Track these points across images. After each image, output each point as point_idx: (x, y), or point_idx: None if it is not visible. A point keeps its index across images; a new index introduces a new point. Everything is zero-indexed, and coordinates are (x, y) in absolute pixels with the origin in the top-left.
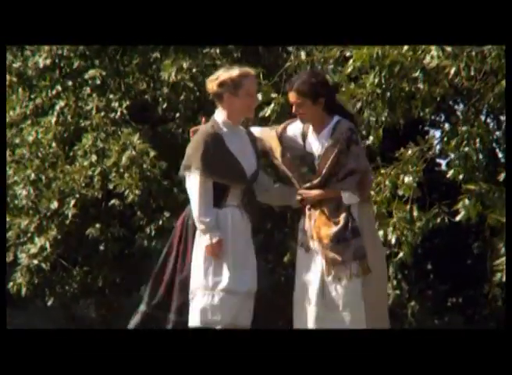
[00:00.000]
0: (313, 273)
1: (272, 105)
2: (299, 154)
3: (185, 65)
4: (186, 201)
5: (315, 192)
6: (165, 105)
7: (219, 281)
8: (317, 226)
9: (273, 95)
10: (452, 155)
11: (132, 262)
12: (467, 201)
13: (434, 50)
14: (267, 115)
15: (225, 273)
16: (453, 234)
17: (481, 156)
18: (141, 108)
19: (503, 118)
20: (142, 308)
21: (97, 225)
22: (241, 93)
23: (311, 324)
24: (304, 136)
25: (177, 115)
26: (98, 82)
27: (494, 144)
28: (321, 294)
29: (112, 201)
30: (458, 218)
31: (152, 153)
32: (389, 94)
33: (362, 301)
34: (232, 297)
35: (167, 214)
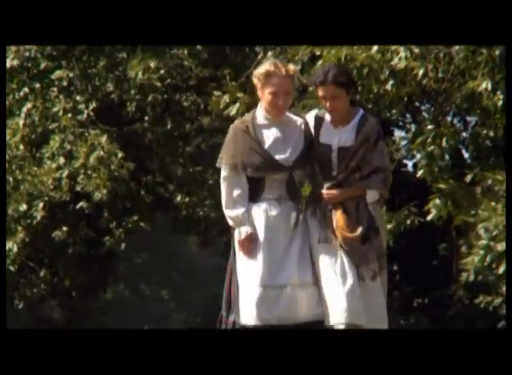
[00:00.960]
0: (340, 271)
1: (238, 104)
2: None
3: (152, 64)
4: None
5: (340, 192)
6: (132, 107)
7: (256, 277)
8: (340, 227)
9: (239, 95)
10: (418, 156)
11: (99, 263)
12: (437, 201)
13: (402, 51)
14: (232, 114)
15: (261, 268)
16: (419, 236)
17: (447, 157)
18: (108, 109)
19: (469, 119)
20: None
21: (65, 228)
22: (266, 91)
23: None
24: (318, 129)
25: (145, 117)
26: (65, 83)
27: (460, 146)
28: (355, 291)
29: (80, 204)
30: (429, 217)
31: (120, 154)
32: (358, 96)
33: (385, 299)
34: (271, 291)
35: (135, 216)
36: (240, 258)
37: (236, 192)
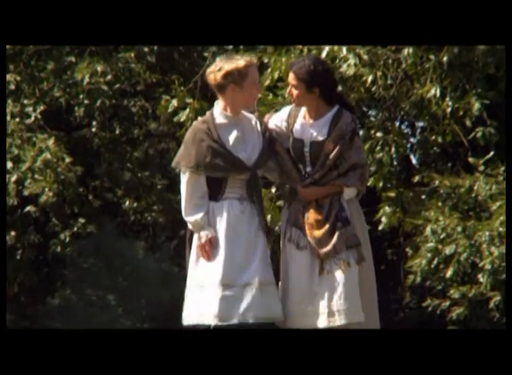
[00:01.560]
0: (304, 270)
1: (187, 110)
2: (286, 144)
3: (99, 68)
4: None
5: (317, 190)
6: (80, 111)
7: (213, 275)
8: (310, 224)
9: (188, 101)
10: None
11: (47, 268)
12: (387, 209)
13: (351, 58)
14: (182, 120)
15: (220, 267)
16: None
17: (395, 163)
18: (57, 114)
19: (417, 124)
20: None
21: (13, 232)
22: (246, 83)
23: (301, 317)
24: (292, 123)
25: (93, 121)
26: (13, 87)
27: (408, 151)
28: (312, 290)
29: (28, 208)
30: (381, 227)
31: (68, 159)
32: None
33: (358, 290)
34: (233, 290)
35: (82, 220)
36: (193, 258)
37: (195, 196)
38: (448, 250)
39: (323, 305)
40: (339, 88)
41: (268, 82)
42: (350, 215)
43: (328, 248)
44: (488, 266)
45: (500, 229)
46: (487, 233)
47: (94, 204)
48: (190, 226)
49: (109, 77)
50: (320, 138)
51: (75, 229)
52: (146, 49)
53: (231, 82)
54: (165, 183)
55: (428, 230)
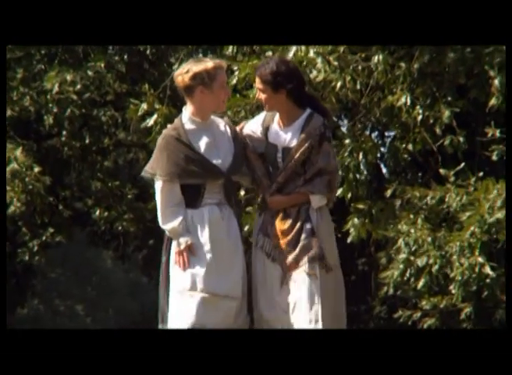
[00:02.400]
0: (270, 279)
1: (156, 115)
2: (261, 150)
3: (69, 77)
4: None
5: (283, 199)
6: (50, 120)
7: (196, 283)
8: (276, 234)
9: (157, 106)
10: None
11: (16, 278)
12: (356, 220)
13: (319, 63)
14: (149, 125)
15: (201, 274)
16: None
17: (365, 171)
18: (26, 123)
19: (387, 134)
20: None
21: None
22: (215, 85)
23: (266, 326)
24: (266, 127)
25: (63, 131)
26: None
27: (379, 161)
28: (275, 300)
29: None
30: (349, 239)
31: (37, 168)
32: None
33: (319, 301)
34: (214, 298)
35: (51, 230)
36: (175, 265)
37: (171, 203)
38: (420, 262)
39: (284, 316)
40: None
41: (234, 81)
42: (317, 226)
43: (290, 259)
44: (458, 277)
45: (471, 240)
46: (458, 243)
47: (64, 214)
48: (168, 234)
49: (79, 87)
50: (292, 144)
51: (44, 238)
52: (116, 58)
53: (199, 84)
54: (135, 193)
55: (400, 241)
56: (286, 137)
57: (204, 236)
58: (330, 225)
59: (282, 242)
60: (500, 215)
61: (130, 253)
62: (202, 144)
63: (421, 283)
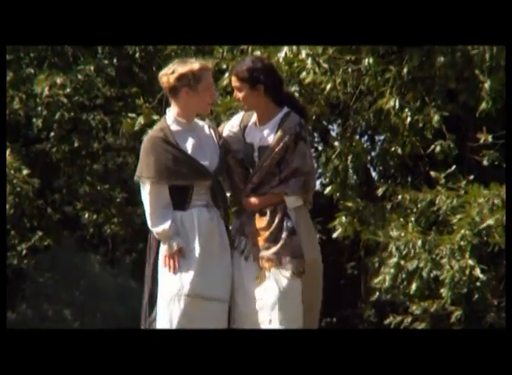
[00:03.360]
0: (247, 279)
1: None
2: (239, 149)
3: (59, 80)
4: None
5: (258, 200)
6: (39, 123)
7: (186, 286)
8: (253, 232)
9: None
10: (320, 170)
11: (5, 283)
12: (343, 219)
13: (309, 64)
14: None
15: (192, 276)
16: (326, 254)
17: (354, 175)
18: (15, 126)
19: (377, 138)
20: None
21: None
22: (201, 87)
23: (246, 325)
24: (244, 127)
25: (51, 134)
26: None
27: (368, 164)
28: (253, 299)
29: None
30: (335, 235)
31: (25, 171)
32: None
33: (301, 301)
34: (200, 302)
35: (40, 233)
36: (164, 268)
37: (159, 206)
38: (410, 265)
39: (263, 315)
40: (300, 99)
41: (225, 83)
42: (297, 225)
43: (268, 255)
44: (448, 280)
45: (461, 243)
46: (448, 246)
47: (53, 217)
48: (157, 237)
49: (68, 90)
50: (267, 143)
51: (33, 242)
52: (106, 62)
53: (185, 85)
54: (125, 197)
55: (391, 245)
56: (262, 135)
57: (195, 238)
58: (310, 226)
59: (260, 239)
60: (491, 221)
61: (119, 257)
62: (189, 145)
63: (413, 288)
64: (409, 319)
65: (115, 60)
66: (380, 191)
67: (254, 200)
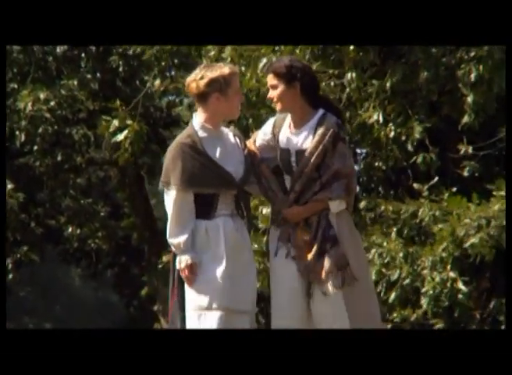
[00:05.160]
0: (295, 291)
1: (126, 131)
2: (273, 157)
3: (42, 96)
4: None
5: (301, 210)
6: (22, 137)
7: (213, 300)
8: (298, 245)
9: (128, 122)
10: None
11: None
12: None
13: None
14: (119, 140)
15: (221, 290)
16: None
17: None
18: None
19: (359, 151)
20: None
21: None
22: (231, 92)
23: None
24: (277, 132)
25: (35, 148)
26: None
27: None
28: (301, 313)
29: None
30: None
31: (10, 185)
32: (251, 120)
33: (345, 313)
34: (230, 315)
35: (25, 248)
36: (199, 280)
37: (183, 215)
38: (391, 276)
39: (311, 327)
40: None
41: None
42: (339, 231)
43: (318, 271)
44: (430, 292)
45: (443, 254)
46: (430, 258)
47: (36, 231)
48: (172, 248)
49: (52, 104)
50: (305, 146)
51: (18, 256)
52: (89, 76)
53: (215, 90)
54: (108, 210)
55: (373, 251)
56: (299, 139)
57: (222, 249)
58: (353, 230)
59: (308, 255)
60: (475, 240)
61: (101, 270)
62: (216, 152)
63: (392, 296)
64: (388, 327)
65: (98, 74)
66: (363, 204)
67: (297, 210)
